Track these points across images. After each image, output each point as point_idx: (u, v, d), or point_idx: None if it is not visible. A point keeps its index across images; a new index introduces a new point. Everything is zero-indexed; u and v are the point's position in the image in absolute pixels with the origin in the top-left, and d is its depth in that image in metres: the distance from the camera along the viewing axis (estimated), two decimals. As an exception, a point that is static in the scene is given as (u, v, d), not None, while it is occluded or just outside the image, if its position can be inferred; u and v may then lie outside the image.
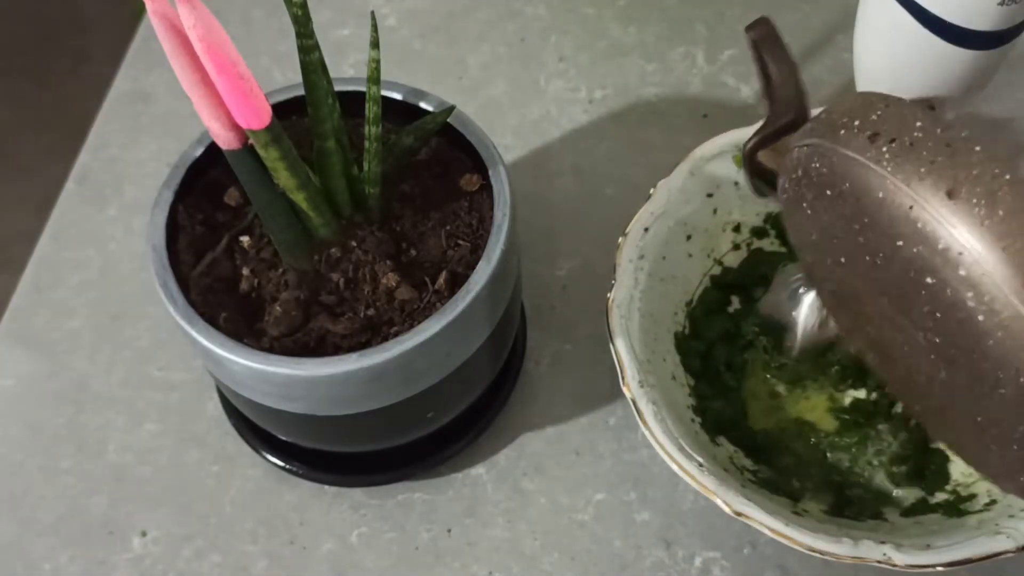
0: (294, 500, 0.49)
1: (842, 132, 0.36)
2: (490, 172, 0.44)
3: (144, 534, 0.49)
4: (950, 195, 0.33)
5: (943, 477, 0.47)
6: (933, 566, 0.40)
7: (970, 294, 0.33)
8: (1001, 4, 0.44)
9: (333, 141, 0.41)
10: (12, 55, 1.54)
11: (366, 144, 0.42)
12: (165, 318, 0.45)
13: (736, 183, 0.51)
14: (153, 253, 0.43)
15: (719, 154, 0.51)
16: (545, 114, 0.61)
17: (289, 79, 0.62)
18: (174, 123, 0.61)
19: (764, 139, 0.43)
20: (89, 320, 0.55)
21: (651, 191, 0.50)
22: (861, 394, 0.50)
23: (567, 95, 0.62)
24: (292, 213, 0.41)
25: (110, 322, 0.54)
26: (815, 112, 0.42)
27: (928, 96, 0.47)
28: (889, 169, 0.34)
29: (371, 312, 0.42)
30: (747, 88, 0.61)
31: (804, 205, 0.39)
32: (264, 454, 0.49)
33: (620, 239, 0.48)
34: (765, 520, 0.41)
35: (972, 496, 0.45)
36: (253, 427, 0.49)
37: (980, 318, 0.33)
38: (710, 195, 0.51)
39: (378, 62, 0.41)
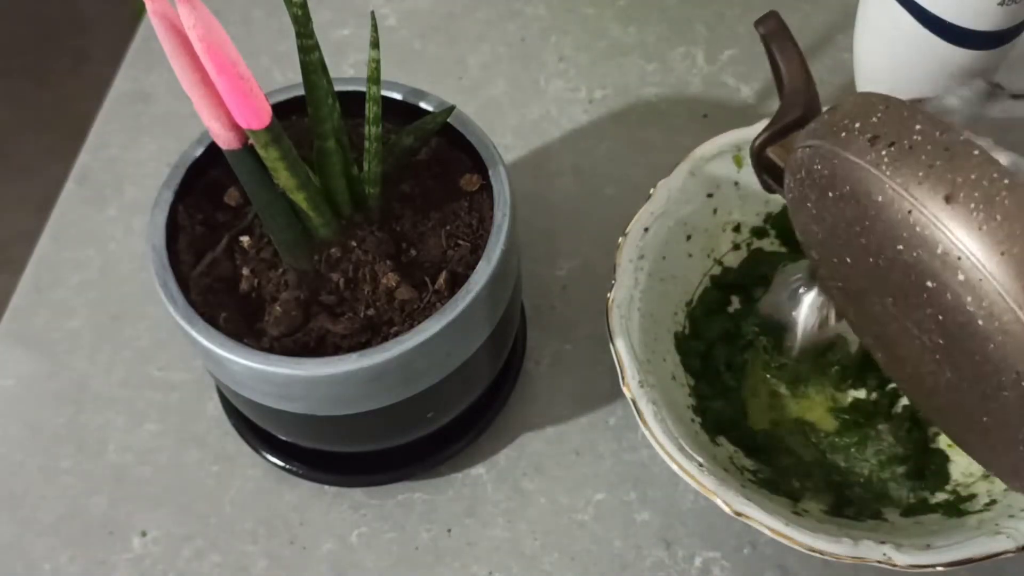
0: (294, 500, 0.49)
1: (843, 135, 0.36)
2: (490, 172, 0.44)
3: (144, 534, 0.49)
4: (948, 200, 0.33)
5: (943, 477, 0.47)
6: (933, 566, 0.40)
7: (969, 299, 0.33)
8: (1001, 4, 0.44)
9: (333, 141, 0.41)
10: (12, 55, 1.54)
11: (366, 144, 0.42)
12: (165, 318, 0.45)
13: (736, 183, 0.51)
14: (153, 253, 0.43)
15: (719, 154, 0.51)
16: (545, 114, 0.61)
17: (289, 79, 0.62)
18: (174, 123, 0.61)
19: (772, 135, 0.42)
20: (89, 320, 0.55)
21: (651, 191, 0.50)
22: (861, 394, 0.50)
23: (567, 95, 0.62)
24: (292, 213, 0.41)
25: (110, 322, 0.54)
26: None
27: (929, 97, 0.47)
28: (888, 173, 0.34)
29: (371, 312, 0.42)
30: (747, 88, 0.61)
31: (808, 205, 0.39)
32: (264, 454, 0.49)
33: (620, 239, 0.48)
34: (765, 520, 0.41)
35: (972, 496, 0.45)
36: (253, 427, 0.49)
37: (980, 323, 0.33)
38: (710, 195, 0.51)
39: (378, 62, 0.41)
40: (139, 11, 0.58)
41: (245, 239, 0.44)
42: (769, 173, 0.43)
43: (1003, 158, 0.48)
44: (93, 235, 0.57)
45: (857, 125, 0.35)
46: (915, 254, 0.34)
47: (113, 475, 0.50)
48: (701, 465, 0.42)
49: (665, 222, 0.49)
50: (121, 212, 0.58)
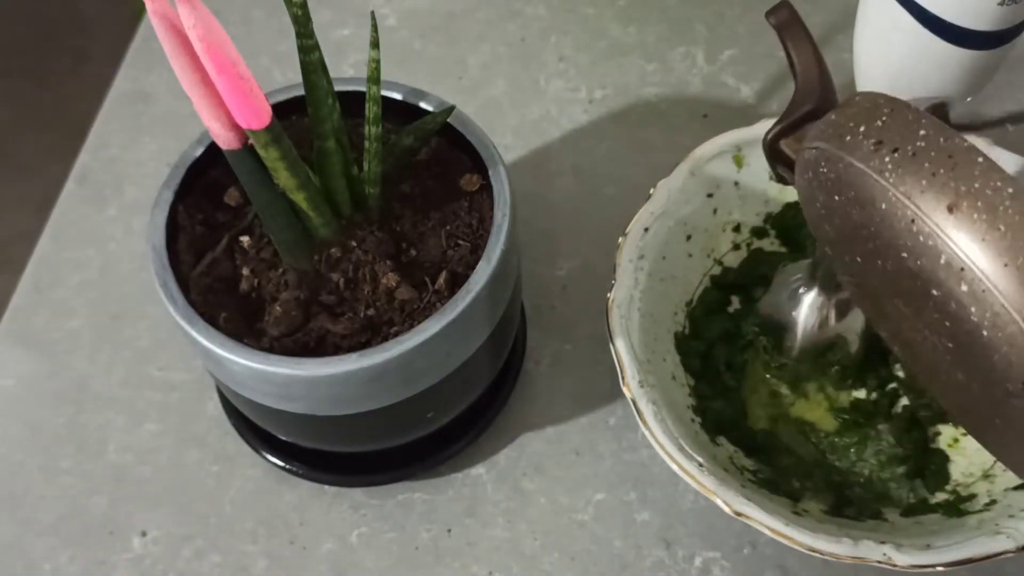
0: (294, 500, 0.49)
1: (848, 138, 0.35)
2: (490, 172, 0.44)
3: (144, 534, 0.49)
4: (951, 209, 0.32)
5: (943, 477, 0.47)
6: (933, 566, 0.40)
7: (973, 309, 0.32)
8: (1001, 4, 0.43)
9: (333, 141, 0.41)
10: (12, 55, 1.54)
11: (366, 144, 0.42)
12: (165, 318, 0.45)
13: (736, 183, 0.51)
14: (153, 253, 0.43)
15: (719, 154, 0.51)
16: (545, 114, 0.61)
17: (289, 79, 0.62)
18: (174, 123, 0.61)
19: (785, 128, 0.42)
20: (89, 320, 0.55)
21: (651, 191, 0.50)
22: (861, 394, 0.50)
23: (567, 95, 0.62)
24: (292, 213, 0.41)
25: (110, 322, 0.54)
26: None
27: (933, 96, 0.47)
28: (892, 180, 0.34)
29: (371, 312, 0.42)
30: (747, 88, 0.61)
31: (817, 205, 0.39)
32: (264, 454, 0.49)
33: (620, 239, 0.48)
34: (765, 520, 0.41)
35: (972, 496, 0.45)
36: (253, 427, 0.49)
37: (984, 333, 0.32)
38: (710, 195, 0.51)
39: (378, 62, 0.40)
40: (139, 11, 0.58)
41: (245, 239, 0.44)
42: (784, 165, 0.43)
43: (1003, 156, 0.48)
44: (93, 235, 0.57)
45: (862, 129, 0.35)
46: (919, 263, 0.33)
47: (113, 475, 0.50)
48: (701, 465, 0.42)
49: (665, 222, 0.49)
50: (121, 212, 0.58)
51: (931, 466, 0.47)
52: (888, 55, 0.49)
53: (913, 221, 0.33)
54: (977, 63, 0.47)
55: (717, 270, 0.52)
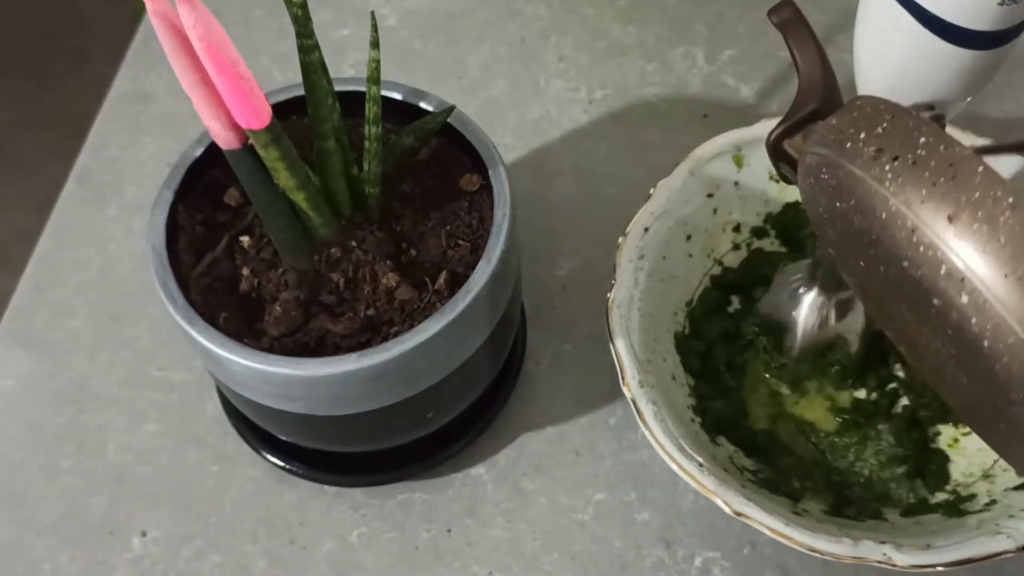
0: (294, 500, 0.49)
1: (848, 145, 0.35)
2: (490, 172, 0.44)
3: (144, 534, 0.49)
4: (952, 219, 0.32)
5: (943, 477, 0.47)
6: (933, 566, 0.40)
7: (974, 319, 0.32)
8: (1001, 4, 0.43)
9: (333, 141, 0.41)
10: (12, 55, 1.54)
11: (366, 144, 0.42)
12: (165, 318, 0.45)
13: (736, 183, 0.51)
14: (153, 253, 0.43)
15: (719, 154, 0.51)
16: (545, 114, 0.61)
17: (289, 79, 0.62)
18: (174, 123, 0.61)
19: (788, 128, 0.41)
20: (89, 320, 0.55)
21: (651, 191, 0.50)
22: (861, 394, 0.50)
23: (567, 95, 0.62)
24: (292, 213, 0.41)
25: (110, 322, 0.54)
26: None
27: (931, 101, 0.47)
28: (892, 189, 0.33)
29: (371, 312, 0.42)
30: (747, 88, 0.61)
31: (820, 210, 0.38)
32: (264, 454, 0.49)
33: (620, 239, 0.48)
34: (765, 520, 0.41)
35: (972, 496, 0.45)
36: (253, 427, 0.49)
37: (986, 343, 0.32)
38: (710, 195, 0.51)
39: (378, 62, 0.40)
40: (139, 11, 0.58)
41: (245, 239, 0.44)
42: (788, 165, 0.43)
43: (1003, 157, 0.48)
44: (93, 235, 0.57)
45: (863, 135, 0.35)
46: (920, 272, 0.33)
47: (113, 475, 0.50)
48: (701, 465, 0.42)
49: (665, 222, 0.49)
50: (121, 212, 0.58)
51: (931, 466, 0.47)
52: (888, 55, 0.49)
53: (914, 231, 0.33)
54: (977, 63, 0.47)
55: (717, 270, 0.52)
